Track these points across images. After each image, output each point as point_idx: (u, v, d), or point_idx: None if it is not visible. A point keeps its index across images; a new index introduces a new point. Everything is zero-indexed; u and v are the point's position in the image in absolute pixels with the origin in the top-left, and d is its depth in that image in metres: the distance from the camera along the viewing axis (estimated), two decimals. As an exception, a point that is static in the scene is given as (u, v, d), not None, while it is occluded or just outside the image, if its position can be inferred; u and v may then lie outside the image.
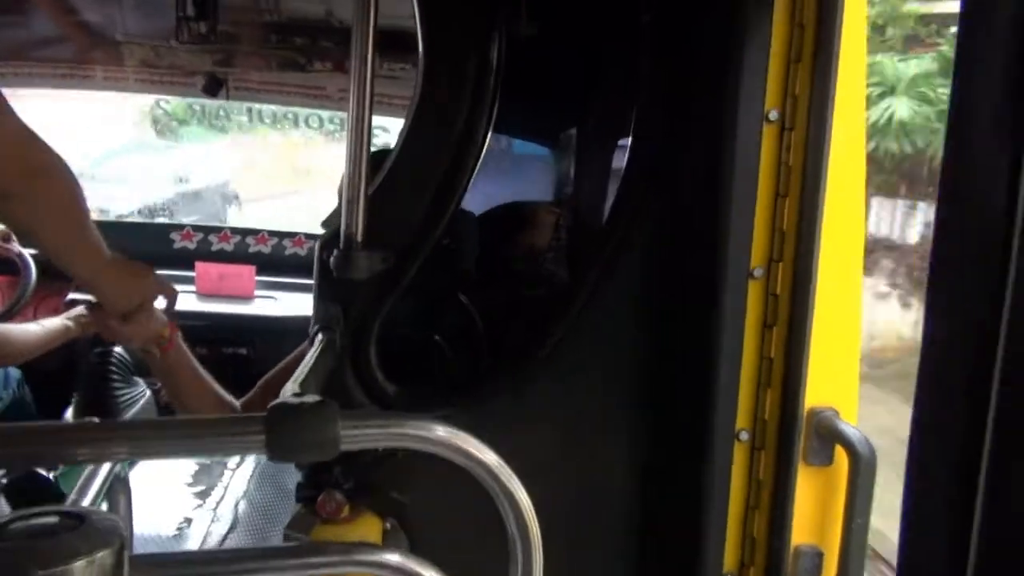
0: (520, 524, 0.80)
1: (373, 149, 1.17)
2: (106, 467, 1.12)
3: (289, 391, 0.88)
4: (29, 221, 1.29)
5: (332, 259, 1.19)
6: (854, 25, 1.09)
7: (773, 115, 1.11)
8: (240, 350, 3.12)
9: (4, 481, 2.07)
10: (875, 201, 11.19)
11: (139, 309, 1.45)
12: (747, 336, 1.15)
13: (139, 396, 2.86)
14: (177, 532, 2.06)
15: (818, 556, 1.14)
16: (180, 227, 3.69)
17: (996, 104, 0.68)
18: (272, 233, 3.71)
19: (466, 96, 1.24)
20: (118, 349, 2.78)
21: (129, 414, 2.76)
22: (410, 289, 1.25)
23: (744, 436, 1.16)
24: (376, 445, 1.02)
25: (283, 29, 2.75)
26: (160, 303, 1.51)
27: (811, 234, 1.09)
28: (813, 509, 1.14)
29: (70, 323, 2.51)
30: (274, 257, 3.67)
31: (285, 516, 1.24)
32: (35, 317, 2.69)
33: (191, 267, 3.39)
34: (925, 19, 11.68)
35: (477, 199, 1.58)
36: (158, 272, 1.50)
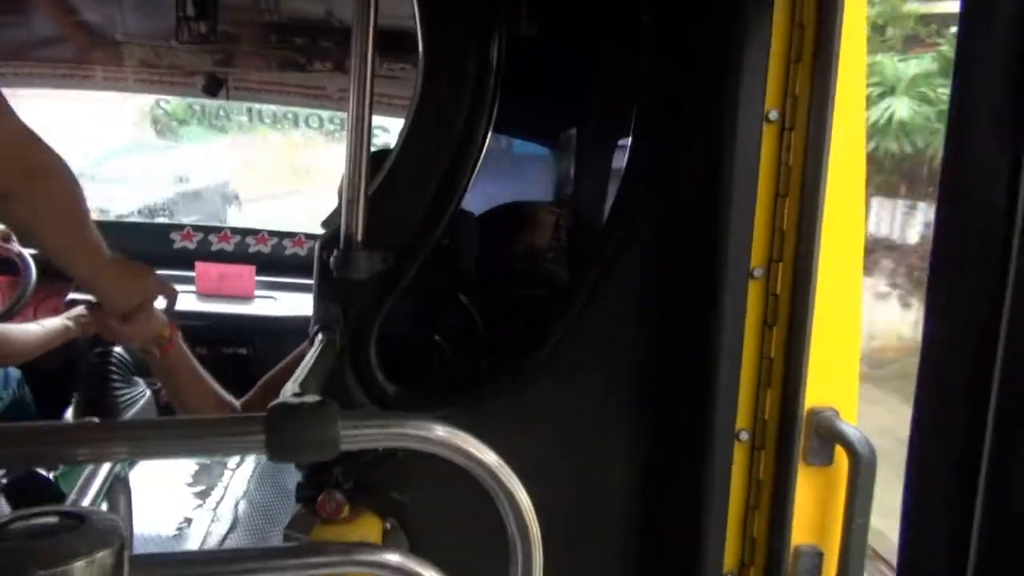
0: (520, 524, 0.80)
1: (373, 149, 1.17)
2: (106, 467, 1.12)
3: (289, 391, 0.88)
4: (29, 221, 1.29)
5: (332, 259, 1.19)
6: (854, 25, 1.09)
7: (773, 115, 1.11)
8: (240, 350, 3.12)
9: (4, 481, 2.07)
10: (875, 201, 11.19)
11: (139, 309, 1.45)
12: (747, 336, 1.15)
13: (139, 396, 2.86)
14: (177, 532, 2.06)
15: (818, 556, 1.14)
16: (180, 227, 3.69)
17: (996, 104, 0.68)
18: (272, 233, 3.71)
19: (466, 96, 1.24)
20: (118, 349, 2.78)
21: (129, 414, 2.76)
22: (410, 289, 1.25)
23: (744, 436, 1.16)
24: (376, 445, 1.02)
25: (283, 29, 2.75)
26: (160, 303, 1.51)
27: (811, 234, 1.09)
28: (813, 509, 1.14)
29: (70, 323, 2.51)
30: (274, 257, 3.68)
31: (285, 516, 1.24)
32: (35, 317, 2.69)
33: (191, 267, 3.39)
34: (925, 19, 11.68)
35: (477, 199, 1.58)
36: (158, 272, 1.50)
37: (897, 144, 11.16)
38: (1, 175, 1.19)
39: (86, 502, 1.06)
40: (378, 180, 1.24)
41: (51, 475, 2.23)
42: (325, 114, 5.20)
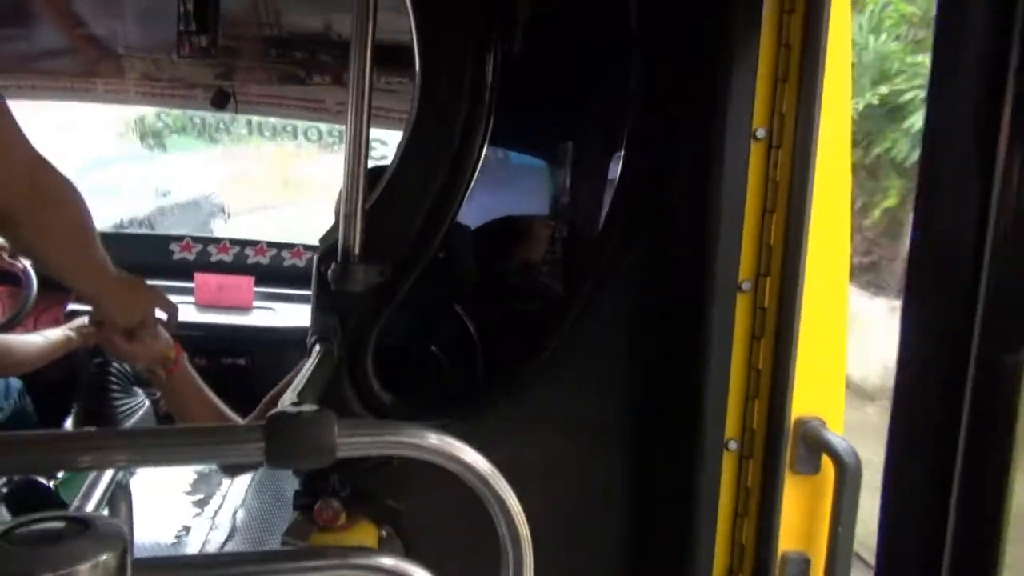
0: (511, 529, 0.82)
1: (369, 164, 1.19)
2: (108, 475, 1.14)
3: (287, 401, 0.90)
4: (35, 246, 1.30)
5: (330, 271, 1.21)
6: (839, 45, 1.12)
7: (761, 133, 1.13)
8: (239, 360, 3.13)
9: (4, 491, 2.08)
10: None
11: (141, 326, 1.46)
12: (735, 347, 1.17)
13: (138, 406, 2.87)
14: (176, 540, 2.08)
15: (805, 563, 1.16)
16: (179, 238, 3.71)
17: (969, 123, 0.71)
18: (271, 244, 3.73)
19: (463, 109, 1.27)
20: (117, 359, 2.79)
21: (128, 424, 2.77)
22: (407, 301, 1.27)
23: (733, 445, 1.18)
24: (371, 452, 1.04)
25: (283, 43, 2.78)
26: (160, 315, 1.53)
27: (797, 248, 1.12)
28: (800, 516, 1.16)
29: (72, 334, 2.52)
30: (273, 268, 3.69)
31: (282, 524, 1.26)
32: (36, 328, 2.71)
33: (190, 278, 3.40)
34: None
35: (474, 211, 1.60)
36: (158, 284, 1.51)
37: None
38: (10, 201, 1.20)
39: (89, 508, 1.08)
40: (376, 194, 1.26)
41: (51, 484, 2.25)
42: (324, 127, 5.22)
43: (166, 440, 0.84)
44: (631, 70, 1.31)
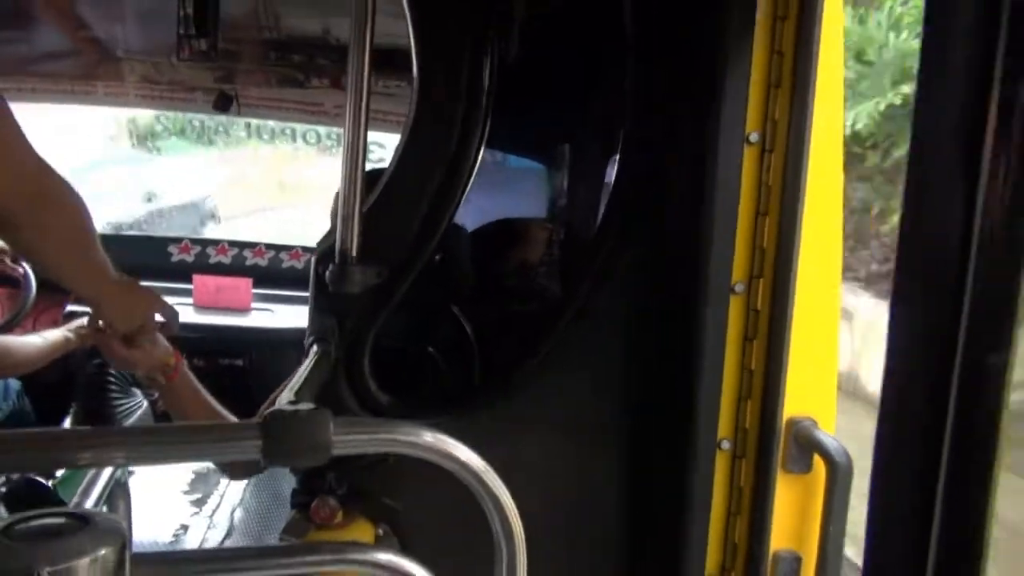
0: (505, 526, 0.83)
1: (367, 167, 1.20)
2: (106, 474, 1.15)
3: (284, 400, 0.91)
4: (36, 248, 1.30)
5: (328, 273, 1.22)
6: (831, 51, 1.14)
7: (754, 137, 1.15)
8: (236, 361, 3.14)
9: (3, 489, 2.09)
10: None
11: (141, 331, 1.46)
12: (728, 349, 1.18)
13: (136, 407, 2.88)
14: (174, 539, 2.09)
15: (796, 561, 1.18)
16: (178, 240, 3.72)
17: (955, 125, 0.72)
18: (269, 246, 3.73)
19: (460, 112, 1.28)
20: (115, 360, 2.79)
21: (126, 424, 2.78)
22: (404, 302, 1.28)
23: (726, 445, 1.19)
24: (366, 450, 1.05)
25: (282, 46, 2.79)
26: (159, 317, 1.53)
27: (790, 251, 1.13)
28: (792, 515, 1.18)
29: (70, 335, 2.52)
30: (271, 270, 3.69)
31: (280, 522, 1.27)
32: (35, 329, 2.71)
33: (189, 280, 3.40)
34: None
35: (471, 213, 1.61)
36: (157, 286, 1.51)
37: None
38: (11, 204, 1.20)
39: (88, 505, 1.09)
40: (374, 196, 1.27)
41: (50, 483, 2.25)
42: (323, 130, 5.23)
43: (164, 438, 0.84)
44: (626, 74, 1.33)
